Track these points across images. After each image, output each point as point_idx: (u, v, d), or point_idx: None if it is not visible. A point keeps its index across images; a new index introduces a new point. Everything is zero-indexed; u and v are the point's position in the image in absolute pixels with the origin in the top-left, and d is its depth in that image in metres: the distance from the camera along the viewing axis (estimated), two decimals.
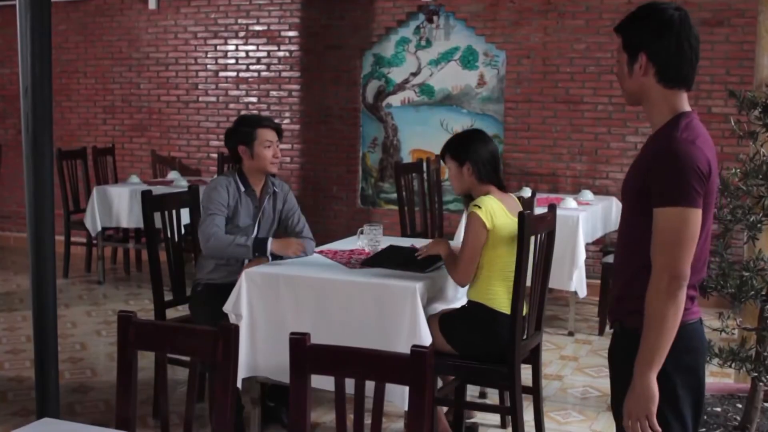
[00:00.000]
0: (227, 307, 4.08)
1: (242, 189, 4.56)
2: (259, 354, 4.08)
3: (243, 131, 4.58)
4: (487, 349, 4.06)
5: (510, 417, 4.25)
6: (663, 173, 2.61)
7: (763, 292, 3.68)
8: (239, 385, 4.08)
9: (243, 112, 9.19)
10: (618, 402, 2.75)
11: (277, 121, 9.04)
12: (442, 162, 4.20)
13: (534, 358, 4.37)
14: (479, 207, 3.99)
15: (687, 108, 2.73)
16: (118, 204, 7.85)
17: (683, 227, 2.60)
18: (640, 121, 7.77)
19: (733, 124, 3.88)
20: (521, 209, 4.11)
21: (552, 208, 4.30)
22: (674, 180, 2.59)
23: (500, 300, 4.05)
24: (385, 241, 4.65)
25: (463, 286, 4.13)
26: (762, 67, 4.45)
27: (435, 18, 8.48)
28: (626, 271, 2.77)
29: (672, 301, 2.60)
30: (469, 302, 4.14)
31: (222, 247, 4.40)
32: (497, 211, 4.02)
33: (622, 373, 2.75)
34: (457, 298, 4.32)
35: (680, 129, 2.65)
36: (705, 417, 4.05)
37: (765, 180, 3.59)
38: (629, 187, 2.74)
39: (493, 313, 4.04)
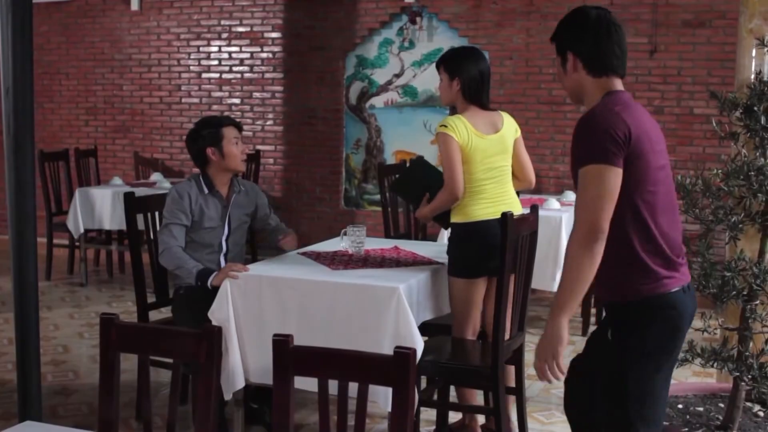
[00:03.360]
0: (212, 313, 4.05)
1: (206, 191, 4.56)
2: (244, 357, 4.06)
3: (208, 133, 4.57)
4: (479, 261, 4.29)
5: (494, 417, 4.26)
6: (580, 137, 2.89)
7: (745, 292, 3.70)
8: (229, 397, 4.06)
9: (226, 114, 9.18)
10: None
11: (260, 122, 9.09)
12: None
13: (517, 359, 4.37)
14: (445, 126, 4.32)
15: (618, 89, 3.02)
16: (101, 206, 7.82)
17: (599, 183, 2.80)
18: None
19: (714, 125, 3.89)
20: (509, 124, 4.43)
21: (534, 208, 4.32)
22: (588, 141, 2.86)
23: (477, 213, 4.32)
24: (369, 242, 4.66)
25: (457, 197, 4.30)
26: (743, 68, 4.47)
27: (418, 19, 8.49)
28: None
29: (588, 252, 2.79)
30: (452, 226, 4.40)
31: (171, 263, 4.44)
32: (463, 131, 4.28)
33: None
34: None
35: (603, 103, 2.95)
36: (687, 417, 4.07)
37: (746, 181, 3.61)
38: (571, 167, 2.96)
39: (473, 226, 4.31)
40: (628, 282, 2.89)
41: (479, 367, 4.10)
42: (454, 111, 4.53)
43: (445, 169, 4.32)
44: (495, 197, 4.34)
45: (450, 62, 4.44)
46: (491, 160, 4.33)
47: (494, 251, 4.06)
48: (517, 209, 4.37)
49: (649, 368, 2.90)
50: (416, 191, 4.52)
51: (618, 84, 3.05)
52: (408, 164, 4.59)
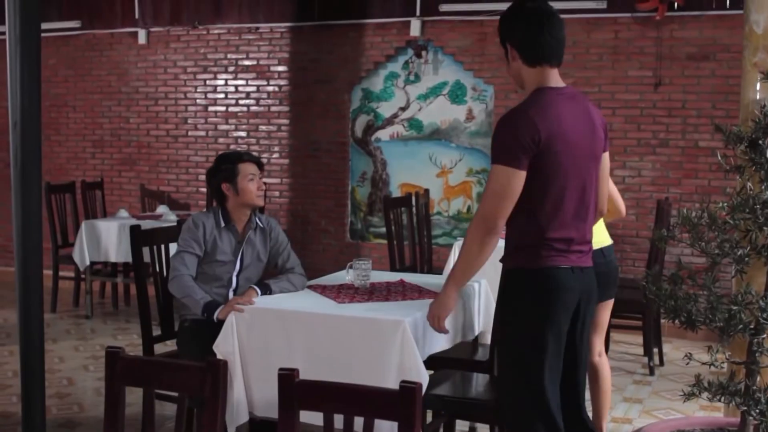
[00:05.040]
0: (217, 346, 4.04)
1: (222, 224, 4.56)
2: (249, 390, 4.05)
3: (224, 169, 4.58)
4: None
5: None
6: (494, 136, 3.21)
7: (752, 326, 3.68)
8: (233, 431, 4.04)
9: (232, 147, 9.22)
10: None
11: (266, 155, 9.12)
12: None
13: None
14: None
15: (552, 84, 3.26)
16: (107, 238, 7.82)
17: (500, 182, 3.14)
18: (627, 155, 7.81)
19: (719, 158, 3.89)
20: None
21: None
22: (499, 142, 3.18)
23: None
24: (374, 275, 4.65)
25: None
26: (747, 102, 4.47)
27: (423, 53, 8.53)
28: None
29: (479, 240, 3.23)
30: None
31: (180, 291, 4.43)
32: None
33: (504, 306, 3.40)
34: (457, 331, 4.34)
35: (525, 102, 3.21)
36: None
37: (752, 214, 3.60)
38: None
39: None
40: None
41: (485, 401, 4.08)
42: None
43: None
44: None
45: None
46: None
47: None
48: None
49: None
50: None
51: (552, 75, 3.27)
52: None
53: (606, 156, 3.52)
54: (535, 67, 3.25)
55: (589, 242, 3.45)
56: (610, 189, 4.34)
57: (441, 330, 3.59)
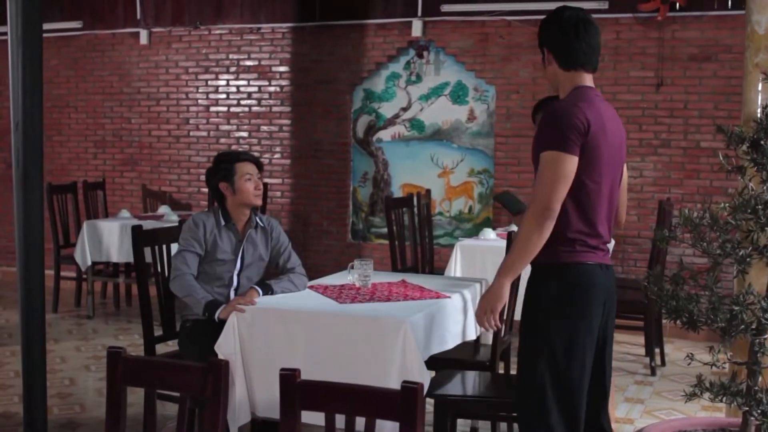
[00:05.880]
0: (218, 347, 4.05)
1: (222, 223, 4.57)
2: (251, 391, 4.05)
3: (222, 168, 4.60)
4: None
5: None
6: (543, 125, 3.28)
7: (753, 326, 3.68)
8: (235, 431, 4.05)
9: (233, 147, 9.22)
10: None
11: (267, 155, 9.12)
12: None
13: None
14: None
15: (587, 84, 3.37)
16: (108, 238, 7.83)
17: (556, 167, 3.17)
18: (629, 155, 7.78)
19: (721, 158, 3.89)
20: None
21: None
22: (550, 129, 3.23)
23: None
24: (376, 276, 4.65)
25: None
26: (749, 102, 4.47)
27: (425, 53, 8.54)
28: None
29: (538, 227, 3.18)
30: None
31: (181, 291, 4.45)
32: None
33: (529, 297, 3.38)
34: (459, 332, 4.34)
35: (569, 97, 3.32)
36: None
37: (754, 214, 3.60)
38: (532, 152, 3.33)
39: None
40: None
41: (488, 398, 4.08)
42: None
43: None
44: None
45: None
46: None
47: None
48: None
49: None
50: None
51: (587, 79, 3.39)
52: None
53: (624, 167, 3.58)
54: (570, 71, 3.37)
55: (610, 242, 3.52)
56: None
57: (494, 326, 3.39)
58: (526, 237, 3.20)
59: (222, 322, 4.13)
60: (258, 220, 4.66)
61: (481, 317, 3.38)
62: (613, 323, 3.50)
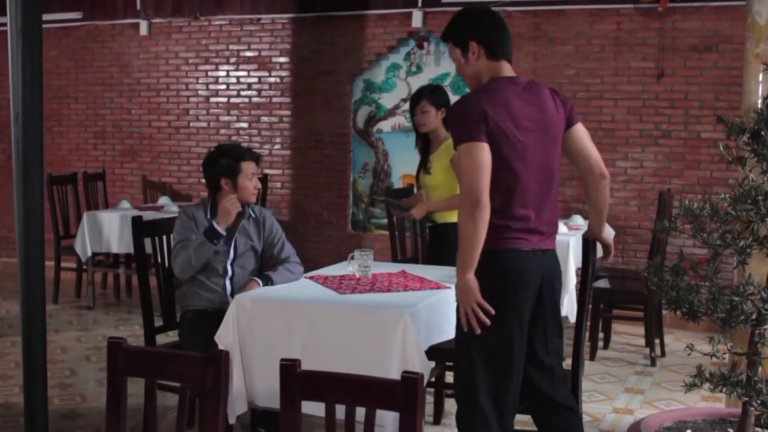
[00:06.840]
0: (218, 337, 4.05)
1: (215, 215, 4.60)
2: (251, 381, 4.05)
3: (227, 164, 4.62)
4: None
5: None
6: (450, 126, 3.62)
7: (753, 317, 3.68)
8: (233, 421, 4.06)
9: (233, 138, 9.21)
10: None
11: (267, 146, 9.12)
12: None
13: None
14: None
15: (506, 74, 3.50)
16: (109, 229, 7.83)
17: (470, 157, 3.29)
18: (629, 146, 7.80)
19: (721, 149, 3.89)
20: None
21: None
22: (454, 125, 3.45)
23: None
24: (376, 267, 4.66)
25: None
26: (750, 93, 4.47)
27: (425, 44, 8.52)
28: None
29: (471, 219, 3.26)
30: None
31: (183, 260, 4.49)
32: None
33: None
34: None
35: (475, 89, 3.48)
36: None
37: (754, 205, 3.60)
38: None
39: None
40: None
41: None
42: None
43: None
44: None
45: None
46: None
47: None
48: None
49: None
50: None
51: (506, 68, 3.52)
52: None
53: (579, 127, 3.76)
54: (497, 62, 3.50)
55: (554, 224, 3.58)
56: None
57: (485, 309, 3.34)
58: (464, 231, 3.30)
59: (222, 313, 4.14)
60: (251, 212, 4.69)
61: (469, 314, 3.37)
62: (555, 306, 3.59)
